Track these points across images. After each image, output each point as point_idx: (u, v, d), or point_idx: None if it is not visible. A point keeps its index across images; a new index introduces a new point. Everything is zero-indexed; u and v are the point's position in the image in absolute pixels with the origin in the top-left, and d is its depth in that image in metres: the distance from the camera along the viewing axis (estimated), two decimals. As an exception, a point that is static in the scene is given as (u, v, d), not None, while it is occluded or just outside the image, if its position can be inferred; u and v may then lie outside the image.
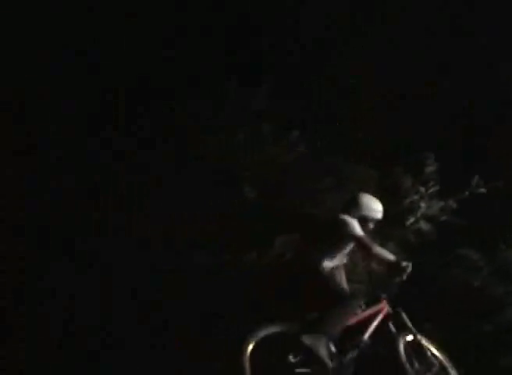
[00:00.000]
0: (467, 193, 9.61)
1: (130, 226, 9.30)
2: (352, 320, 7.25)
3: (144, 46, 10.15)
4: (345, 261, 7.81)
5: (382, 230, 9.39)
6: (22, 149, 9.81)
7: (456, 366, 7.64)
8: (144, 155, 9.80)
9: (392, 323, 7.48)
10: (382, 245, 9.01)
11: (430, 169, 9.75)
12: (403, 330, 7.51)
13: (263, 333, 6.84)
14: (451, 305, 9.14)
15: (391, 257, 7.33)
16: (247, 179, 9.92)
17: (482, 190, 9.62)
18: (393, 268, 7.25)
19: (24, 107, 10.09)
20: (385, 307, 7.52)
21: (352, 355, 7.12)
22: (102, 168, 9.68)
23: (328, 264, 7.49)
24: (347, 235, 7.43)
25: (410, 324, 7.51)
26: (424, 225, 9.61)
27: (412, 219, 9.60)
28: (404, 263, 7.21)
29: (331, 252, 7.58)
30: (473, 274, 9.16)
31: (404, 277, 7.24)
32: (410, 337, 7.44)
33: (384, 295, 7.54)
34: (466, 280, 9.16)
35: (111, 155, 9.81)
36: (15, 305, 8.67)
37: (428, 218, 9.67)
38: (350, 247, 7.64)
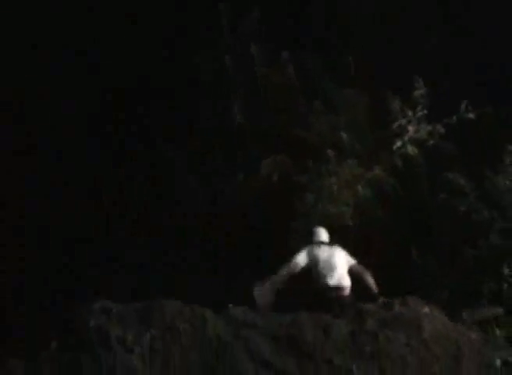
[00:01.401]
0: (455, 118, 9.46)
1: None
2: None
3: (143, 46, 10.13)
4: None
5: (369, 155, 9.44)
6: (22, 149, 9.82)
7: (441, 290, 7.65)
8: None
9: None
10: (369, 170, 9.17)
11: (418, 92, 9.58)
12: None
13: None
14: (437, 230, 9.10)
15: None
16: (236, 100, 9.94)
17: (471, 115, 9.45)
18: None
19: (24, 107, 10.09)
20: None
21: None
22: (102, 168, 9.69)
23: None
24: None
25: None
26: (411, 149, 9.50)
27: (399, 143, 9.49)
28: None
29: None
30: (459, 199, 9.01)
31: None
32: None
33: None
34: (452, 205, 9.03)
35: (111, 155, 9.82)
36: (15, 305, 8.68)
37: (415, 142, 9.55)
38: None
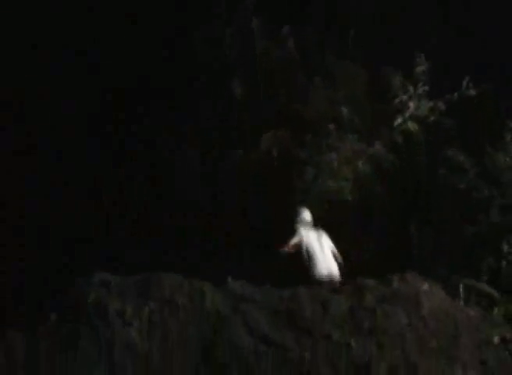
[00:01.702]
0: (456, 95, 9.47)
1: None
2: None
3: (143, 46, 10.13)
4: None
5: (369, 130, 9.42)
6: (22, 149, 9.82)
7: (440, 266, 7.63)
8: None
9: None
10: (369, 146, 9.14)
11: (420, 68, 9.57)
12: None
13: None
14: (436, 206, 9.09)
15: None
16: (236, 75, 9.94)
17: (472, 92, 9.46)
18: None
19: (24, 107, 10.09)
20: None
21: None
22: (102, 168, 9.69)
23: None
24: None
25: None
26: (411, 125, 9.48)
27: (400, 120, 9.48)
28: None
29: None
30: (459, 176, 9.01)
31: None
32: None
33: None
34: (452, 182, 9.03)
35: (111, 155, 9.81)
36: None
37: (416, 118, 9.53)
38: None
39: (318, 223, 7.18)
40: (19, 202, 9.58)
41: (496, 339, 6.13)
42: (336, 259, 7.09)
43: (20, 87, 9.94)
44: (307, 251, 6.96)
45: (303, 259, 6.95)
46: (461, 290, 7.21)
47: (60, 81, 9.99)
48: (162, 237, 9.40)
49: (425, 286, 6.26)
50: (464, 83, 9.41)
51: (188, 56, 10.30)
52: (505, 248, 8.37)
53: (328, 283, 6.83)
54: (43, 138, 9.94)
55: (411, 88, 9.52)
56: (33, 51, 10.18)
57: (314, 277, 6.88)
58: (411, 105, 9.50)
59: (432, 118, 9.52)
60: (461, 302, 6.63)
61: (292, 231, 7.02)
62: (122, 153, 9.92)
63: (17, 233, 9.43)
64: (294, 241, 6.97)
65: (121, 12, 10.29)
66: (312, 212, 7.29)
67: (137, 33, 10.17)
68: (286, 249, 6.94)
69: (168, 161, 9.93)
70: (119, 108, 10.01)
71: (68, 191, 9.60)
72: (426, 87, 9.56)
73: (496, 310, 7.01)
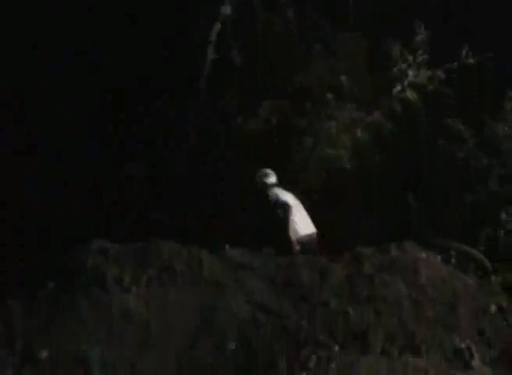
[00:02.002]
0: (456, 63, 9.46)
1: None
2: None
3: (143, 46, 10.12)
4: None
5: (368, 99, 9.40)
6: (22, 149, 9.81)
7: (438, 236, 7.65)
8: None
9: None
10: (368, 114, 9.18)
11: (419, 37, 9.54)
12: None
13: None
14: (435, 176, 9.11)
15: None
16: (234, 43, 10.00)
17: (471, 60, 9.43)
18: None
19: (24, 107, 10.08)
20: None
21: None
22: (102, 168, 9.68)
23: None
24: None
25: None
26: (410, 94, 9.49)
27: (399, 88, 9.50)
28: None
29: None
30: (458, 145, 9.03)
31: None
32: None
33: None
34: (451, 151, 9.05)
35: (111, 155, 9.81)
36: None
37: (415, 87, 9.53)
38: None
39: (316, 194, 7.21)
40: (19, 202, 9.57)
41: (493, 308, 6.14)
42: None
43: (20, 87, 9.94)
44: (286, 212, 6.95)
45: (280, 220, 6.94)
46: (453, 256, 7.17)
47: (60, 81, 9.99)
48: (162, 237, 9.38)
49: (423, 254, 6.29)
50: (464, 52, 9.39)
51: (188, 56, 10.30)
52: (503, 217, 8.38)
53: (306, 246, 6.85)
54: (43, 138, 9.93)
55: (410, 57, 9.52)
56: (33, 51, 10.17)
57: (292, 239, 6.87)
58: (410, 73, 9.51)
59: (431, 87, 9.51)
60: (457, 270, 6.62)
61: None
62: (122, 153, 9.91)
63: (17, 233, 9.42)
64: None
65: (121, 12, 10.29)
66: (311, 181, 7.32)
67: (137, 33, 10.16)
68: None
69: (169, 161, 9.93)
70: (119, 108, 10.00)
71: (68, 191, 9.59)
72: (425, 56, 9.55)
73: (493, 279, 7.00)
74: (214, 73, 9.90)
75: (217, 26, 10.16)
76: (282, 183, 7.50)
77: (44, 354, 5.60)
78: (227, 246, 6.38)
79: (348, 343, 5.70)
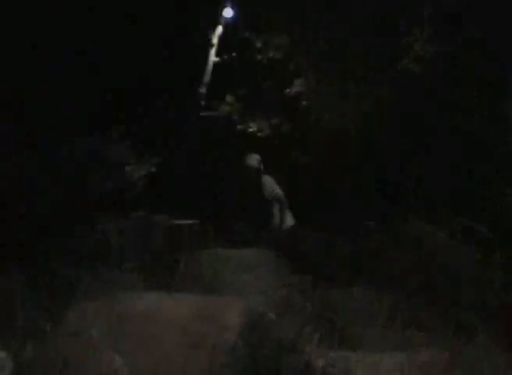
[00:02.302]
0: (461, 38, 9.40)
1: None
2: None
3: (143, 46, 10.13)
4: None
5: (372, 73, 9.40)
6: (22, 149, 9.79)
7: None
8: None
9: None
10: (372, 83, 9.19)
11: (427, 11, 9.53)
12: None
13: None
14: (440, 147, 9.10)
15: None
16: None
17: (478, 35, 9.28)
18: None
19: (24, 107, 10.07)
20: None
21: None
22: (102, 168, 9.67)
23: None
24: None
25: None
26: (415, 67, 9.51)
27: (405, 61, 9.53)
28: None
29: None
30: (463, 119, 9.03)
31: None
32: None
33: None
34: (455, 124, 9.05)
35: (111, 155, 9.80)
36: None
37: (421, 61, 9.54)
38: None
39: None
40: (19, 202, 9.55)
41: (497, 283, 6.13)
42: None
43: (20, 87, 9.93)
44: (277, 200, 7.00)
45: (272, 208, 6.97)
46: (458, 230, 7.14)
47: (60, 81, 9.98)
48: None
49: (428, 227, 6.26)
50: (470, 27, 9.35)
51: (188, 56, 10.31)
52: (508, 191, 8.33)
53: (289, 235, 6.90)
54: (43, 138, 9.92)
55: (418, 31, 9.52)
56: (33, 51, 10.17)
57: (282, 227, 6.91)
58: (416, 47, 9.51)
59: (437, 61, 9.50)
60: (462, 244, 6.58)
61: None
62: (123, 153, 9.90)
63: (17, 233, 9.39)
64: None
65: (121, 12, 10.29)
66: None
67: (137, 33, 10.17)
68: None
69: (169, 161, 9.93)
70: (119, 108, 10.00)
71: (68, 191, 9.57)
72: (431, 30, 9.53)
73: (497, 253, 6.96)
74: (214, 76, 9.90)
75: (218, 30, 10.16)
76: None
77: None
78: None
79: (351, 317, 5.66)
